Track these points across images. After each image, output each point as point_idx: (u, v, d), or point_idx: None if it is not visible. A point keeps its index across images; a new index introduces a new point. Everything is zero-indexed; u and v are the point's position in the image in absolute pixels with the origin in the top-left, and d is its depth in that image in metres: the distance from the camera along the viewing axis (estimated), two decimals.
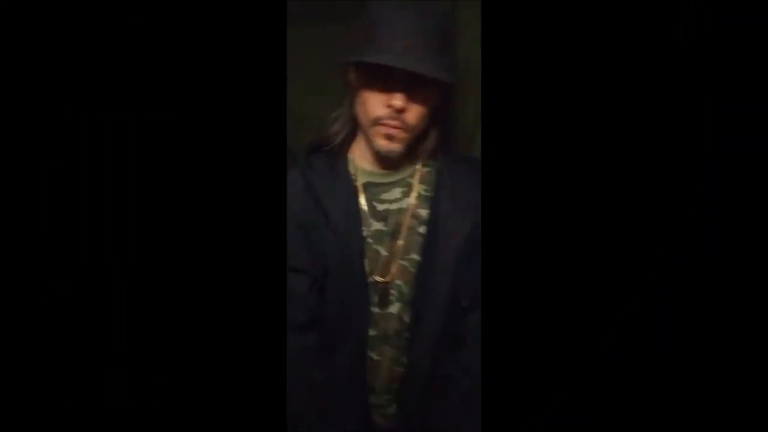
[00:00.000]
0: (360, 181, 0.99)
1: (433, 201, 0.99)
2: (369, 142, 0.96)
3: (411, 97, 0.91)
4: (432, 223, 0.97)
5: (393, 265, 0.97)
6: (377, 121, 0.93)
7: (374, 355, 0.97)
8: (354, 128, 1.00)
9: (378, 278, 0.96)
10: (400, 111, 0.91)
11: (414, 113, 0.92)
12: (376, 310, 0.97)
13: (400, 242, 0.97)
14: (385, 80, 0.90)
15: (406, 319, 0.97)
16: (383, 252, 0.97)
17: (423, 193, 1.00)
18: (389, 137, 0.93)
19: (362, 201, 0.98)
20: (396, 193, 1.00)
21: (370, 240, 0.97)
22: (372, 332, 0.97)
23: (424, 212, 0.99)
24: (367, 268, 0.96)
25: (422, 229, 0.98)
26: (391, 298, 0.97)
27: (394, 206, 0.99)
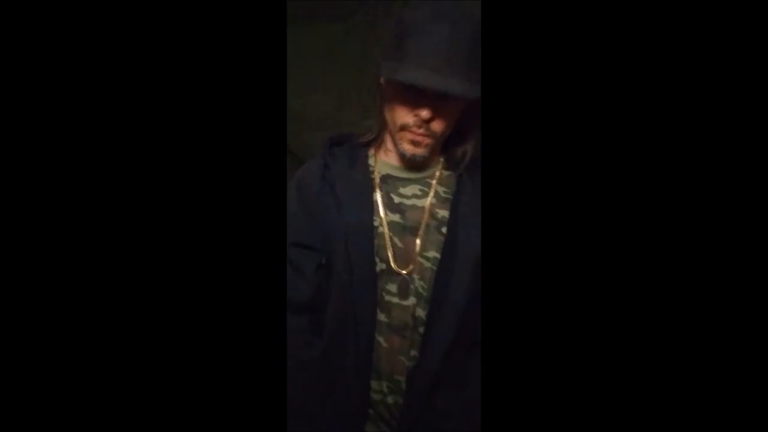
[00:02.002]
0: (378, 173, 1.04)
1: (452, 204, 1.02)
2: (395, 144, 1.01)
3: (438, 108, 0.95)
4: (452, 225, 1.00)
5: (412, 260, 0.99)
6: (404, 128, 0.97)
7: (382, 341, 0.99)
8: (382, 130, 1.05)
9: (399, 269, 0.99)
10: (428, 121, 0.95)
11: (440, 123, 0.97)
12: (392, 299, 0.99)
13: (418, 239, 1.00)
14: (414, 93, 0.93)
15: (420, 313, 0.98)
16: (399, 244, 1.00)
17: (443, 194, 1.03)
18: (415, 143, 0.98)
19: (378, 192, 1.02)
20: (414, 189, 1.03)
21: (383, 230, 1.00)
22: (383, 318, 0.99)
23: (442, 213, 1.02)
24: (382, 257, 0.99)
25: (444, 229, 1.00)
26: (410, 290, 0.99)
27: (410, 201, 1.03)
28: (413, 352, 0.98)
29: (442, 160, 1.05)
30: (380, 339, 0.99)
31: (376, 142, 1.06)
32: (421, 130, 0.96)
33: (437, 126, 0.96)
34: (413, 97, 0.94)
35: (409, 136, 0.97)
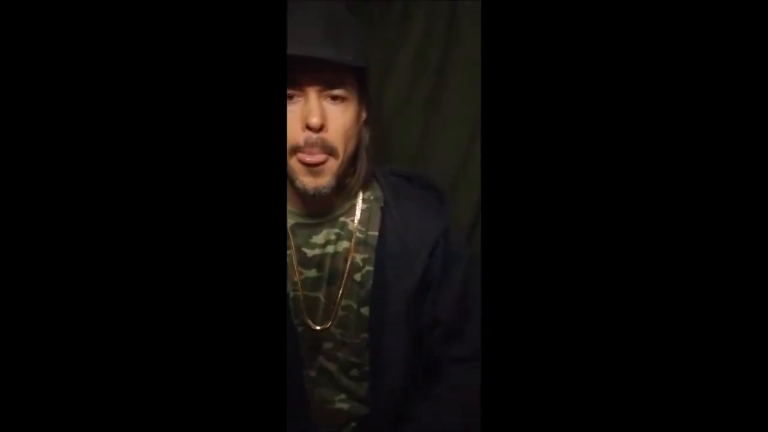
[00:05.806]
0: (288, 224, 0.90)
1: (377, 243, 0.90)
2: (292, 183, 0.84)
3: (328, 110, 0.81)
4: (378, 269, 0.89)
5: (332, 313, 0.92)
6: (296, 150, 0.81)
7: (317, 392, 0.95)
8: None
9: (314, 326, 0.92)
10: (320, 130, 0.80)
11: (336, 132, 0.81)
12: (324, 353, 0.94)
13: (337, 289, 0.91)
14: (298, 95, 0.80)
15: (353, 359, 0.94)
16: (323, 299, 0.92)
17: (359, 235, 0.91)
18: (313, 170, 0.82)
19: (289, 249, 0.89)
20: (328, 234, 0.91)
21: (300, 290, 0.91)
22: (311, 373, 0.94)
23: (359, 257, 0.91)
24: (304, 317, 0.92)
25: (358, 277, 0.91)
26: (327, 344, 0.94)
27: (328, 249, 0.91)
28: (349, 397, 0.95)
29: (354, 188, 0.90)
30: (315, 391, 0.95)
31: None
32: (316, 148, 0.80)
33: (334, 136, 0.81)
34: (297, 99, 0.80)
35: (305, 159, 0.80)
